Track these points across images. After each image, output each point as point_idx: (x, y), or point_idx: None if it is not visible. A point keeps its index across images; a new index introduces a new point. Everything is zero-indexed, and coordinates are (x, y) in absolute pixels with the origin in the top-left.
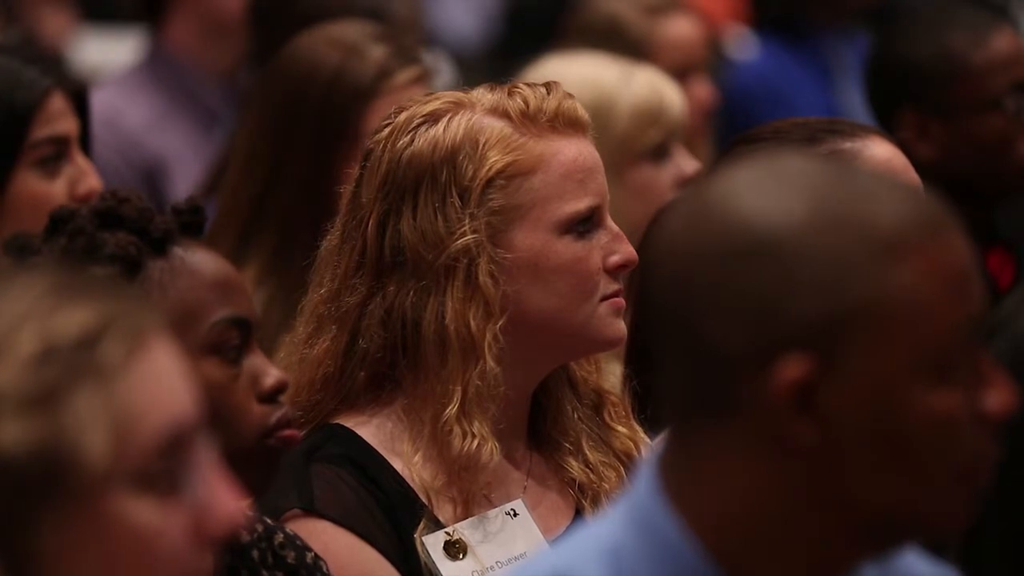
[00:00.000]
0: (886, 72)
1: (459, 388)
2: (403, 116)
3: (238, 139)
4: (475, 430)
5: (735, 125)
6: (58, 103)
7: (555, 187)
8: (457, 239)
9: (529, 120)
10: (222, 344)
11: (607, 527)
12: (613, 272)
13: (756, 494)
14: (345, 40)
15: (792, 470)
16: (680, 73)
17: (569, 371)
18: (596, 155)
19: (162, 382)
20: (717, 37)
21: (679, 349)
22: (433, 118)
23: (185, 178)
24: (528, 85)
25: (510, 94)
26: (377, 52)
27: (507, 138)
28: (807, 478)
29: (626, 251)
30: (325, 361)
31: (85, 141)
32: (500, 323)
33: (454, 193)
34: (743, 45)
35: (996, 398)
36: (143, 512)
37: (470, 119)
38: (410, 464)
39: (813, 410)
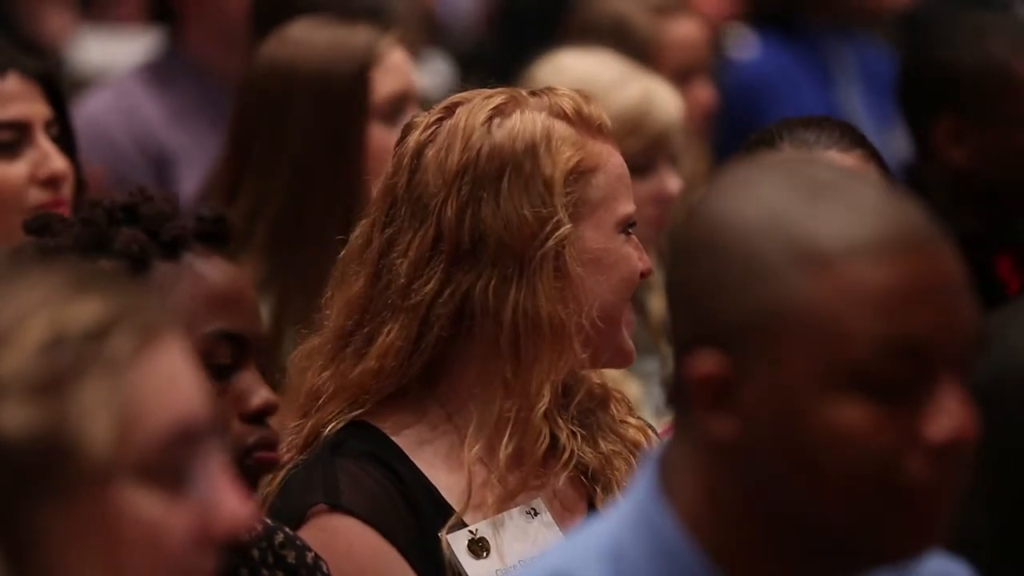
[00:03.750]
0: (923, 76)
1: (549, 379)
2: (465, 110)
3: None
4: (561, 424)
5: (735, 124)
6: (12, 86)
7: (613, 187)
8: (552, 229)
9: (583, 122)
10: (210, 357)
11: (608, 526)
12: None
13: (713, 490)
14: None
15: (723, 467)
16: (684, 74)
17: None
18: None
19: (170, 379)
20: (717, 36)
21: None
22: (502, 112)
23: (192, 179)
24: (566, 90)
25: (558, 96)
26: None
27: (572, 136)
28: (737, 477)
29: (647, 260)
30: (395, 347)
31: (65, 127)
32: (588, 312)
33: (539, 184)
34: (743, 44)
35: (939, 425)
36: (146, 504)
37: (537, 114)
38: (436, 462)
39: (732, 409)
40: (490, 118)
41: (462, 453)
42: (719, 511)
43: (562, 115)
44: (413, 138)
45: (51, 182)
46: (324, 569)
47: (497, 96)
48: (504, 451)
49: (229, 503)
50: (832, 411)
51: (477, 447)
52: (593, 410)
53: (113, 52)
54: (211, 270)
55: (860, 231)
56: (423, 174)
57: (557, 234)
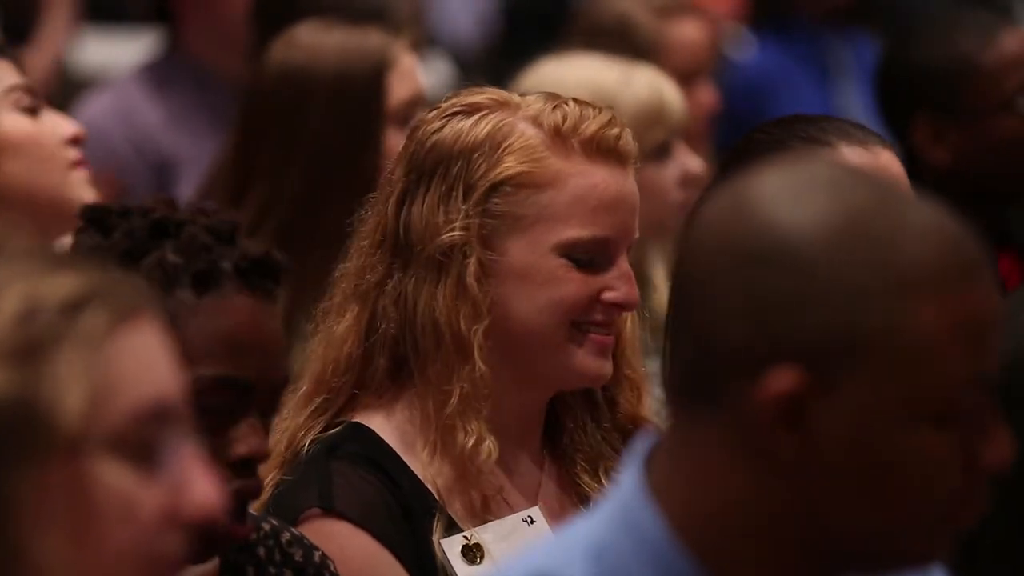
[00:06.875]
0: (897, 78)
1: (456, 386)
2: (449, 102)
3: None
4: (471, 427)
5: (734, 124)
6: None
7: (563, 208)
8: (445, 233)
9: (560, 137)
10: (204, 401)
11: (592, 526)
12: (606, 307)
13: (734, 495)
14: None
15: (768, 479)
16: (685, 76)
17: (591, 392)
18: (629, 191)
19: (144, 359)
20: (717, 36)
21: (688, 333)
22: (470, 110)
23: (192, 181)
24: (580, 103)
25: (555, 107)
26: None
27: (531, 148)
28: (782, 491)
29: (627, 292)
30: (348, 339)
31: None
32: (485, 324)
33: (460, 188)
34: (741, 44)
35: (995, 452)
36: (117, 476)
37: (503, 120)
38: (422, 461)
39: (799, 426)
40: (454, 114)
41: (438, 449)
42: (736, 521)
43: (539, 125)
44: (414, 126)
45: (74, 140)
46: (331, 568)
47: (483, 94)
48: (425, 453)
49: (199, 486)
50: (913, 439)
51: (426, 451)
52: (612, 441)
53: (113, 52)
54: (227, 310)
55: (946, 253)
56: (398, 162)
57: (447, 239)
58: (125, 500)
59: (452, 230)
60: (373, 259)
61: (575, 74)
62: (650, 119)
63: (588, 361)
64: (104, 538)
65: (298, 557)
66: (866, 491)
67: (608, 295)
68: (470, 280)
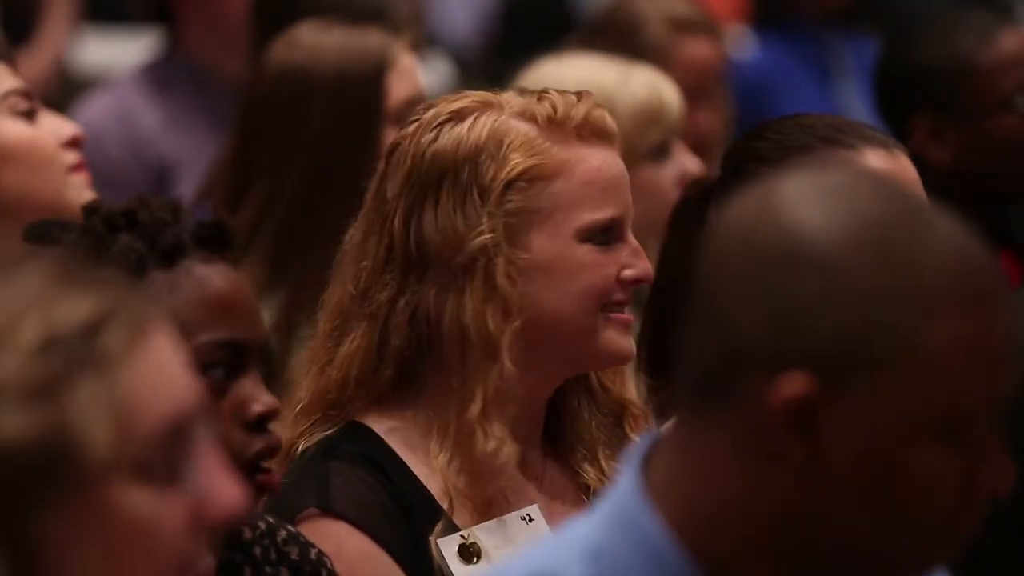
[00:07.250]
0: (896, 78)
1: (480, 389)
2: (430, 113)
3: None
4: (495, 432)
5: (737, 124)
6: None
7: (576, 194)
8: (475, 237)
9: (555, 126)
10: (206, 366)
11: (589, 527)
12: (625, 285)
13: (735, 495)
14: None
15: (772, 481)
16: (688, 94)
17: (588, 378)
18: (622, 167)
19: (163, 372)
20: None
21: (702, 333)
22: (459, 116)
23: (191, 183)
24: (559, 92)
25: (539, 99)
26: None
27: (531, 141)
28: (785, 492)
29: (642, 267)
30: (359, 357)
31: None
32: (516, 324)
33: (474, 192)
34: (741, 44)
35: (996, 478)
36: (143, 502)
37: (496, 120)
38: (432, 465)
39: (808, 430)
40: (444, 122)
41: (455, 453)
42: (736, 521)
43: (531, 118)
44: (396, 137)
45: (73, 143)
46: (328, 565)
47: (464, 99)
48: (442, 457)
49: (222, 489)
50: (918, 452)
51: (442, 454)
52: (605, 427)
53: (113, 52)
54: (209, 278)
55: (968, 273)
56: (387, 180)
57: (478, 243)
58: (151, 523)
59: (480, 234)
60: (381, 278)
61: (574, 74)
62: (648, 119)
63: (617, 340)
64: (134, 562)
65: (294, 555)
66: (867, 497)
67: (627, 272)
68: (501, 280)
